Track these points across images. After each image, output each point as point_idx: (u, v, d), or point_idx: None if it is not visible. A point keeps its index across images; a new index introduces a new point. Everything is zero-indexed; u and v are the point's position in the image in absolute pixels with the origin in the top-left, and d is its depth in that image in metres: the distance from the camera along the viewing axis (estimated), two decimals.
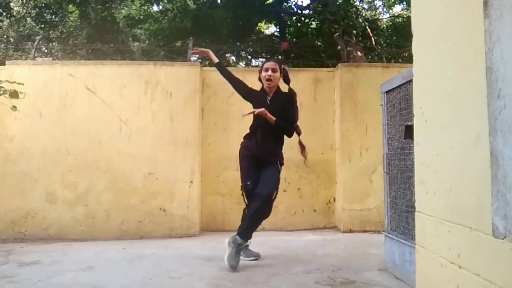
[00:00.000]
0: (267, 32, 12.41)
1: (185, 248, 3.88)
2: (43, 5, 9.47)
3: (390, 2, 10.97)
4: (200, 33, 7.92)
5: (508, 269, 1.14)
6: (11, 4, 9.77)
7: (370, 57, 8.90)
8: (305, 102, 4.72)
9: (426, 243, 1.65)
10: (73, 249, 3.87)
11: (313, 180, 4.89)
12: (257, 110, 3.22)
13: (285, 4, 9.88)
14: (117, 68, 4.73)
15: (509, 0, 1.07)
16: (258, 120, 3.33)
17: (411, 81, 2.10)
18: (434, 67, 1.61)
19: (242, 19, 8.99)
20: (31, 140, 4.50)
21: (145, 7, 9.94)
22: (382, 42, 9.84)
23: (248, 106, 4.89)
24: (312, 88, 4.99)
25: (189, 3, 9.24)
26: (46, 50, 9.00)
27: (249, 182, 3.24)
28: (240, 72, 5.41)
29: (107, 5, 9.04)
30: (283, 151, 3.40)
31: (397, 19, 10.43)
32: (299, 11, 9.97)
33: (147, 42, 9.72)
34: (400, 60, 8.79)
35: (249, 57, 10.93)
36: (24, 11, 9.50)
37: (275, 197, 3.26)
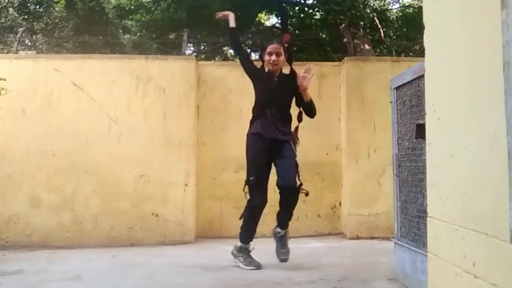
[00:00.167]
0: (268, 23, 12.40)
1: (180, 256, 3.88)
2: None
3: None
4: (196, 24, 7.91)
5: None
6: None
7: (378, 50, 8.89)
8: None
9: (439, 250, 1.65)
10: (59, 257, 3.87)
11: (317, 183, 4.89)
12: (304, 85, 3.34)
13: None
14: (106, 62, 4.73)
15: None
16: (267, 98, 3.38)
17: (422, 76, 2.10)
18: (447, 61, 1.61)
19: (241, 10, 8.96)
20: (13, 140, 4.50)
21: None
22: (392, 34, 9.83)
23: (246, 101, 4.88)
24: (316, 84, 4.98)
25: None
26: (29, 43, 8.98)
27: (252, 178, 3.31)
28: (239, 66, 5.41)
29: None
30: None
31: (407, 10, 10.41)
32: (302, 1, 9.97)
33: (138, 34, 9.69)
34: (411, 53, 8.80)
35: (249, 50, 10.93)
36: (6, 1, 9.49)
37: (300, 184, 3.35)
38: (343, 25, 7.15)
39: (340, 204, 4.97)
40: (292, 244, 4.42)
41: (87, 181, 4.50)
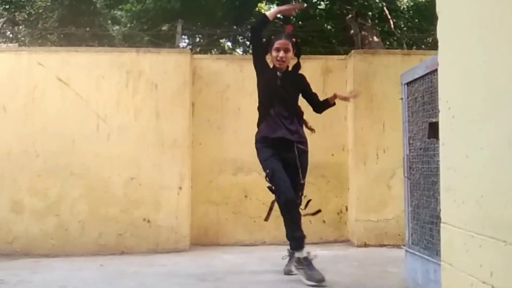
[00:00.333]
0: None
1: (173, 265, 3.88)
2: None
3: None
4: (191, 15, 7.92)
5: None
6: None
7: (388, 43, 8.91)
8: None
9: (454, 259, 1.65)
10: (42, 267, 3.87)
11: (322, 186, 4.90)
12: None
13: None
14: (94, 56, 4.73)
15: None
16: (270, 96, 3.40)
17: (436, 70, 2.10)
18: (462, 55, 1.61)
19: None
20: None
21: None
22: (402, 26, 9.84)
23: (245, 97, 4.89)
24: (320, 79, 4.98)
25: None
26: (11, 35, 9.00)
27: (268, 171, 3.29)
28: (237, 60, 5.44)
29: None
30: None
31: None
32: None
33: (128, 25, 9.70)
34: (423, 46, 8.80)
35: (247, 42, 10.94)
36: None
37: (300, 202, 3.39)
38: (350, 15, 7.16)
39: (346, 209, 4.98)
40: None
41: (74, 184, 4.50)
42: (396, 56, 5.06)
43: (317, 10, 9.95)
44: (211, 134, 4.90)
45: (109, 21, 9.69)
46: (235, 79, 4.96)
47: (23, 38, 9.10)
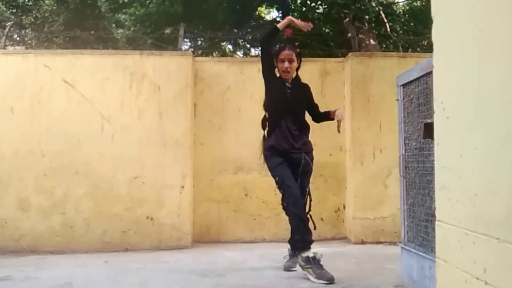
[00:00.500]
0: (268, 17, 12.40)
1: (176, 262, 3.88)
2: None
3: None
4: (193, 18, 7.92)
5: None
6: None
7: (384, 46, 8.90)
8: None
9: (448, 256, 1.65)
10: (48, 263, 3.87)
11: (320, 185, 4.89)
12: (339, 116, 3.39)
13: None
14: (98, 58, 4.73)
15: None
16: (282, 108, 3.41)
17: (431, 73, 2.10)
18: (457, 57, 1.60)
19: (240, 3, 8.97)
20: (0, 140, 4.50)
21: None
22: (398, 29, 9.83)
23: (245, 99, 4.89)
24: (319, 81, 4.98)
25: None
26: (18, 38, 9.00)
27: (277, 178, 3.32)
28: (238, 62, 5.43)
29: None
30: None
31: (415, 3, 10.42)
32: None
33: (132, 28, 9.70)
34: (418, 49, 8.80)
35: (248, 45, 10.93)
36: None
37: (309, 210, 3.46)
38: (347, 19, 7.16)
39: (344, 207, 4.98)
40: None
41: (79, 183, 4.50)
42: (392, 58, 5.06)
43: (316, 14, 9.94)
44: (212, 134, 4.90)
45: (113, 25, 9.68)
46: (235, 81, 4.96)
47: (30, 41, 9.09)
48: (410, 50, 9.17)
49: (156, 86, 4.65)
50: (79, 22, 8.75)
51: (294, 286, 3.07)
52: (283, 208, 3.40)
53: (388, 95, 4.24)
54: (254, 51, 10.98)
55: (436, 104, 1.74)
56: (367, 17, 8.17)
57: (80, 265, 3.77)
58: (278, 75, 3.51)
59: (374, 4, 8.22)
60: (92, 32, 8.25)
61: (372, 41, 7.63)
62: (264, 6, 11.26)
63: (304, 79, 3.65)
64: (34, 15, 9.84)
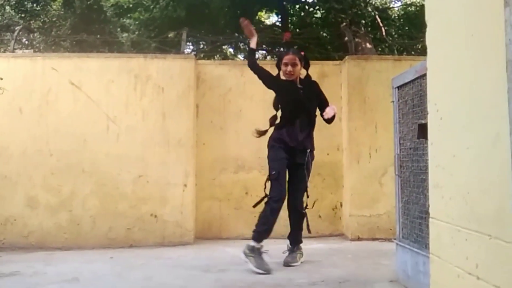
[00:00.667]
0: (268, 22, 12.41)
1: (178, 257, 3.88)
2: None
3: None
4: (195, 23, 7.92)
5: None
6: None
7: (380, 49, 8.89)
8: None
9: (441, 252, 1.65)
10: (56, 259, 3.87)
11: (318, 184, 4.89)
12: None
13: None
14: (104, 61, 4.73)
15: None
16: (297, 108, 3.46)
17: (425, 75, 2.10)
18: (450, 60, 1.61)
19: (241, 8, 8.98)
20: (9, 140, 4.50)
21: None
22: (393, 33, 9.83)
23: (246, 100, 4.90)
24: None
25: None
26: (26, 42, 8.99)
27: (274, 172, 3.38)
28: (239, 65, 5.43)
29: None
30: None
31: (409, 8, 10.42)
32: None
33: (137, 32, 9.70)
34: (413, 52, 8.79)
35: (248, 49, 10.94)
36: None
37: (306, 205, 3.59)
38: (344, 23, 7.15)
39: (341, 205, 4.97)
40: None
41: (85, 181, 4.50)
42: (387, 61, 5.05)
43: (314, 19, 9.96)
44: (214, 134, 4.90)
45: (119, 29, 9.69)
46: (236, 83, 4.96)
47: (38, 45, 9.09)
48: (404, 53, 9.17)
49: (159, 88, 4.65)
50: (86, 26, 8.76)
51: (293, 281, 3.07)
52: (265, 198, 3.41)
53: (384, 96, 4.24)
54: (256, 55, 10.97)
55: (430, 105, 1.75)
56: (363, 21, 8.17)
57: (86, 261, 3.77)
58: (284, 78, 3.55)
59: (370, 9, 8.23)
60: (98, 36, 8.25)
61: (368, 45, 7.62)
62: (264, 11, 11.26)
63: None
64: (42, 20, 9.84)
